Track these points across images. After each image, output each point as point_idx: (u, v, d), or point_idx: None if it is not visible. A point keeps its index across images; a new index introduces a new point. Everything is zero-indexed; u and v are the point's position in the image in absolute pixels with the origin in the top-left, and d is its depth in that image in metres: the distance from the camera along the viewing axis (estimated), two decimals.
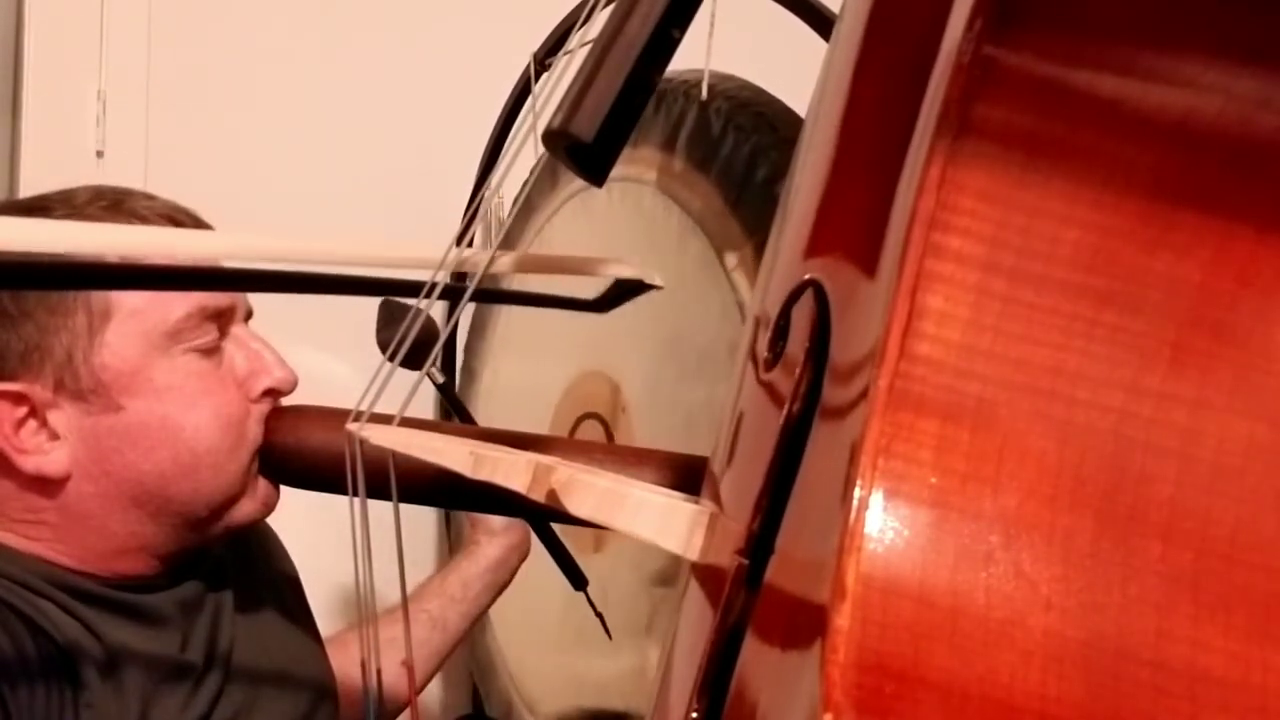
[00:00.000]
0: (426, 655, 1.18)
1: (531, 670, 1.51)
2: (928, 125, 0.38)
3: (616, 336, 1.32)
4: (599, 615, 1.30)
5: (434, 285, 0.64)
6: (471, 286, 0.65)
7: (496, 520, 1.25)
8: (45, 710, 0.82)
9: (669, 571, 1.21)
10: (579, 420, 1.40)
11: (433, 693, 1.72)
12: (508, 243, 1.56)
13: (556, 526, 1.30)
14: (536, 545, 1.30)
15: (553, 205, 1.47)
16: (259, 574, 1.07)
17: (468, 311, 1.63)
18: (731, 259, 1.16)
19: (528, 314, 1.52)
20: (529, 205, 1.52)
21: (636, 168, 1.29)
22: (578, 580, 1.30)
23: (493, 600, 1.30)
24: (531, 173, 1.52)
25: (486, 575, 1.25)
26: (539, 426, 1.43)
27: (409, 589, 0.86)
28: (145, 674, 0.89)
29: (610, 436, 1.36)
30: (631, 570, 1.32)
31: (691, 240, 1.21)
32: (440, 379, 1.41)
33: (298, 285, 0.73)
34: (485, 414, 1.58)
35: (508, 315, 1.56)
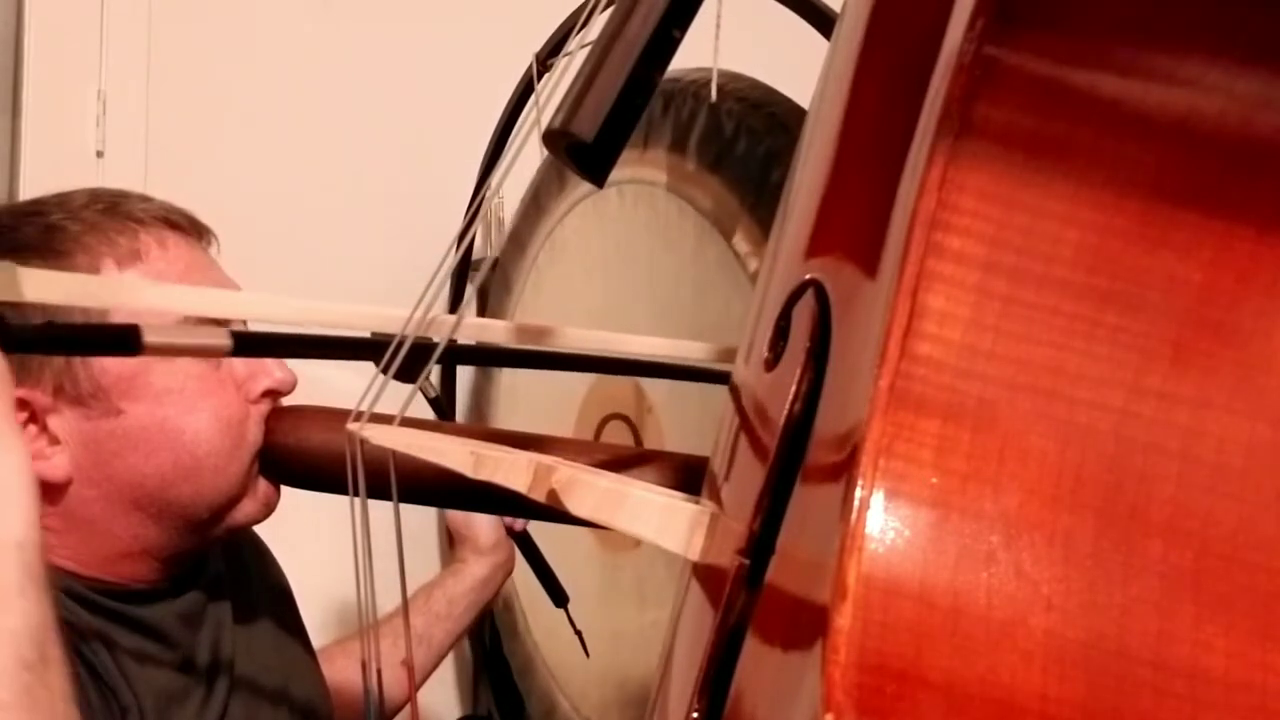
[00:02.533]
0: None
1: (570, 666, 1.50)
2: (929, 125, 0.38)
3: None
4: (578, 633, 1.30)
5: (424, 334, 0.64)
6: (445, 337, 0.65)
7: (483, 538, 1.25)
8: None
9: None
10: (604, 421, 1.40)
11: (433, 694, 1.72)
12: (517, 244, 1.56)
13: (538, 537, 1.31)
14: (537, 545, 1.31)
15: (563, 208, 1.47)
16: (254, 587, 1.07)
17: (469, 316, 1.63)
18: (751, 261, 1.16)
19: (543, 314, 1.51)
20: (538, 207, 1.52)
21: (646, 169, 1.29)
22: (558, 597, 1.30)
23: (477, 617, 1.30)
24: (539, 174, 1.52)
25: (471, 594, 1.25)
26: (563, 427, 1.42)
27: (407, 592, 0.86)
28: (156, 688, 0.89)
29: (637, 437, 1.35)
30: (668, 565, 1.32)
31: (709, 243, 1.21)
32: (433, 393, 1.41)
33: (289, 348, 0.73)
34: (506, 415, 1.58)
35: (522, 314, 1.56)
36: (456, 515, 1.26)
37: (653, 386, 1.34)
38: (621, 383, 1.38)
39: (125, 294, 0.66)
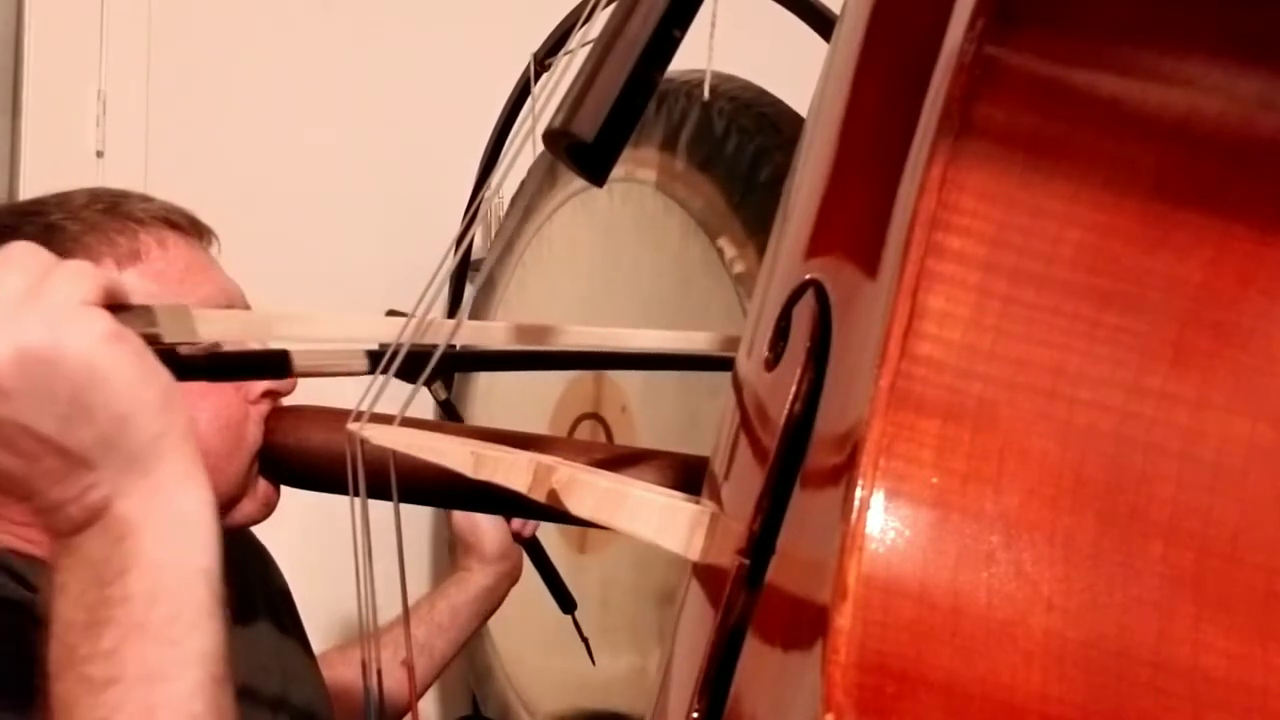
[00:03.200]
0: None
1: (530, 671, 1.51)
2: (929, 125, 0.38)
3: None
4: (584, 640, 1.29)
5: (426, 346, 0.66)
6: (443, 347, 0.66)
7: (489, 547, 1.23)
8: None
9: (669, 573, 1.21)
10: (578, 420, 1.40)
11: (432, 695, 1.72)
12: (508, 243, 1.56)
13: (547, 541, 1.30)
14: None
15: (552, 205, 1.47)
16: (253, 589, 1.07)
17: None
18: (734, 259, 1.16)
19: (527, 310, 1.52)
20: (528, 206, 1.52)
21: (637, 168, 1.29)
22: (566, 603, 1.29)
23: (480, 625, 1.29)
24: (530, 172, 1.52)
25: (475, 603, 1.24)
26: (538, 426, 1.43)
27: (408, 597, 0.86)
28: None
29: (610, 436, 1.36)
30: (631, 570, 1.32)
31: (694, 241, 1.22)
32: (443, 395, 1.40)
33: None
34: (483, 414, 1.58)
35: (505, 310, 1.57)
36: (462, 523, 1.24)
37: (627, 386, 1.34)
38: (595, 382, 1.38)
39: (284, 325, 0.69)
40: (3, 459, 0.55)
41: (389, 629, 1.10)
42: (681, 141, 1.24)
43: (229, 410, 0.91)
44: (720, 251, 1.18)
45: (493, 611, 1.28)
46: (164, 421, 0.57)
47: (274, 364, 0.72)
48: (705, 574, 0.50)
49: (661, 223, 1.27)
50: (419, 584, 1.28)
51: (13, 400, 0.54)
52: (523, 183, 1.55)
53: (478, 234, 1.72)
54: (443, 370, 0.71)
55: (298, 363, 0.70)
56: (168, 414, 0.58)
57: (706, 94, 1.17)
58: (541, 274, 1.51)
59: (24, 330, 0.54)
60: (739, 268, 1.15)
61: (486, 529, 1.22)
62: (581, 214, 1.43)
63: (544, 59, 1.39)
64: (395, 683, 0.80)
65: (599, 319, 1.37)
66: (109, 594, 0.56)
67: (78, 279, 0.56)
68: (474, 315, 1.61)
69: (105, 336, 0.55)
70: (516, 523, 1.24)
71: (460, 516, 1.25)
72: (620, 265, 1.36)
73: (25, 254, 0.57)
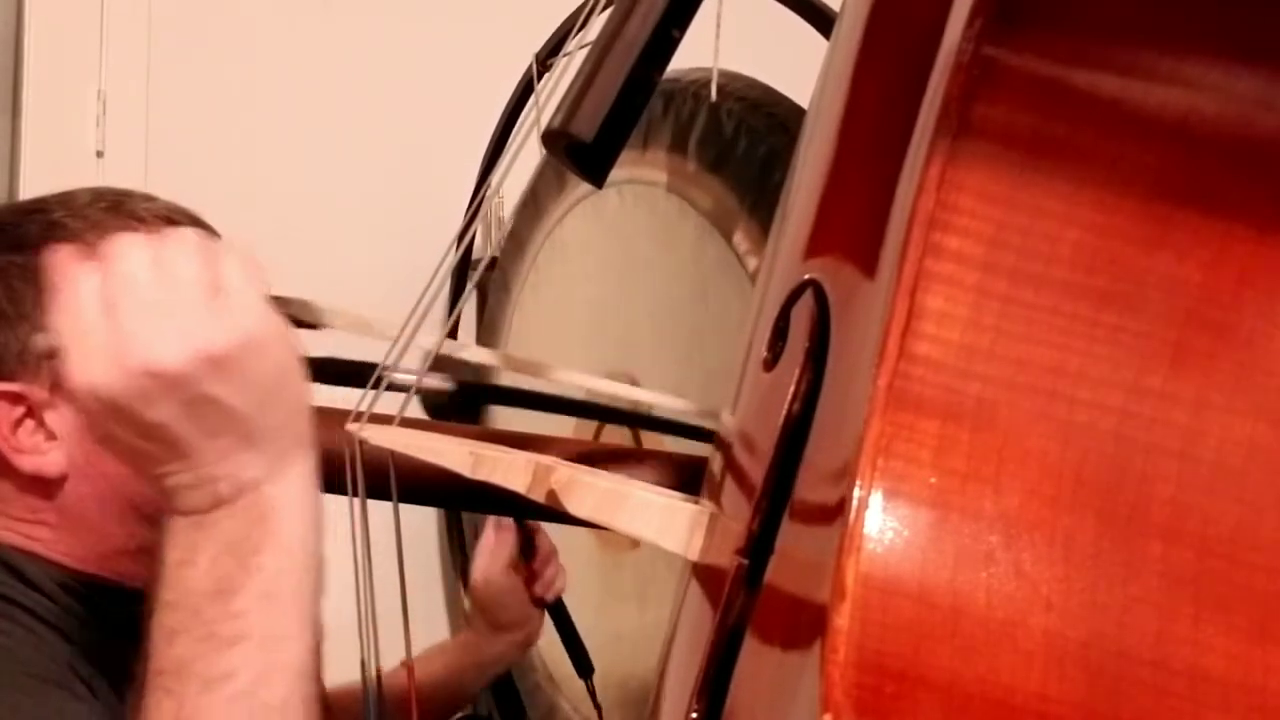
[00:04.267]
0: None
1: (573, 668, 1.49)
2: (927, 125, 0.38)
3: (638, 338, 1.32)
4: (598, 707, 1.27)
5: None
6: (430, 360, 0.66)
7: (504, 614, 1.19)
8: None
9: None
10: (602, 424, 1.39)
11: None
12: (517, 246, 1.56)
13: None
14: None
15: (562, 208, 1.47)
16: None
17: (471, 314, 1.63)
18: (751, 260, 1.15)
19: (543, 314, 1.51)
20: (538, 207, 1.52)
21: (646, 170, 1.28)
22: (584, 668, 1.26)
23: (481, 688, 1.25)
24: (537, 174, 1.52)
25: (480, 668, 1.21)
26: (561, 427, 1.42)
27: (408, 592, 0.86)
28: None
29: (636, 437, 1.35)
30: (668, 565, 1.31)
31: (710, 243, 1.21)
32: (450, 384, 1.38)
33: None
34: (505, 415, 1.58)
35: (521, 315, 1.56)
36: (480, 587, 1.19)
37: (654, 388, 1.33)
38: (621, 383, 1.37)
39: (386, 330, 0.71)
40: (184, 428, 0.59)
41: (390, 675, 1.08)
42: (691, 143, 1.23)
43: None
44: (737, 253, 1.17)
45: (497, 674, 1.25)
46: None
47: (366, 375, 0.74)
48: (704, 574, 0.50)
49: (675, 225, 1.26)
50: (419, 585, 1.28)
51: (224, 380, 0.58)
52: (532, 185, 1.54)
53: (478, 233, 1.72)
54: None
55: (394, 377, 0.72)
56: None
57: (714, 95, 1.16)
58: (555, 278, 1.50)
59: (238, 320, 0.59)
60: (756, 268, 1.15)
61: (505, 594, 1.18)
62: (592, 217, 1.42)
63: (545, 59, 1.39)
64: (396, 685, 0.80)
65: (615, 323, 1.36)
66: (244, 563, 0.60)
67: (254, 271, 0.61)
68: (489, 320, 1.61)
69: (288, 334, 0.61)
70: (539, 587, 1.18)
71: (479, 580, 1.19)
72: (636, 269, 1.35)
73: (197, 238, 0.61)
